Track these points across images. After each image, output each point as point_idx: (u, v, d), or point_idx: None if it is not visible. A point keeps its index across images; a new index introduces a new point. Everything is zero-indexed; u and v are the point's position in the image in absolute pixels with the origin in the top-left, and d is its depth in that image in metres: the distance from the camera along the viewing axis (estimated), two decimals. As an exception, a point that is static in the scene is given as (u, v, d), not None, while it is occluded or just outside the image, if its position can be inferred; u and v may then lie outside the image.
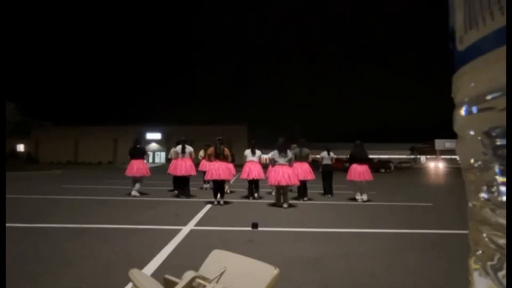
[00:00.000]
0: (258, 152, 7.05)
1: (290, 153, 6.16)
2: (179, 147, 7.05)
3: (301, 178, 6.51)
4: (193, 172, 6.82)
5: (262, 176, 6.82)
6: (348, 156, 7.11)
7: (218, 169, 5.82)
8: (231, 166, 6.18)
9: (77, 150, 43.84)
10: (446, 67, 0.66)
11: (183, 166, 6.76)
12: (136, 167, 7.07)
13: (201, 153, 8.55)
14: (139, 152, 7.34)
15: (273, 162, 6.11)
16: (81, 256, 2.79)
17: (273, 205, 5.97)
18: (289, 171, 5.93)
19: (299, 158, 6.78)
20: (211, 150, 6.21)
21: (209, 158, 6.17)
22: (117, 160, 42.15)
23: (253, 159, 6.97)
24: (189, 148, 6.96)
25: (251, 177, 6.72)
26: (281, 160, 6.00)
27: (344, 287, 2.22)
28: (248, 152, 7.10)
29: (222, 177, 5.79)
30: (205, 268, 1.32)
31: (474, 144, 0.53)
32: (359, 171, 6.66)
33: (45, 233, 3.62)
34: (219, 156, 5.98)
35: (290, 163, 6.12)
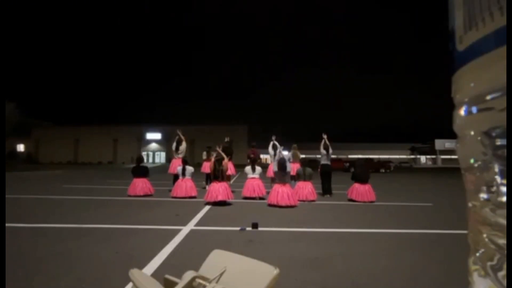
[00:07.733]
0: (258, 168, 7.18)
1: (289, 166, 6.30)
2: (179, 168, 7.12)
3: (303, 198, 6.58)
4: (193, 193, 6.89)
5: (264, 192, 6.97)
6: (351, 176, 7.19)
7: (218, 191, 5.92)
8: (228, 186, 6.25)
9: (77, 150, 43.87)
10: (446, 67, 0.66)
11: (183, 187, 6.84)
12: (140, 186, 7.13)
13: (204, 155, 8.65)
14: (143, 171, 7.38)
15: (273, 179, 6.29)
16: (81, 256, 2.79)
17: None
18: (289, 191, 6.03)
19: (303, 177, 6.88)
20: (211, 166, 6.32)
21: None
22: (117, 160, 42.18)
23: (254, 176, 7.11)
24: (189, 169, 7.01)
25: (254, 195, 6.86)
26: (280, 177, 6.15)
27: (344, 287, 2.22)
28: (248, 169, 7.22)
29: (221, 198, 5.87)
30: (205, 268, 1.32)
31: (474, 144, 0.53)
32: (362, 192, 6.68)
33: (45, 233, 3.62)
34: (217, 177, 6.06)
35: (290, 181, 6.29)
